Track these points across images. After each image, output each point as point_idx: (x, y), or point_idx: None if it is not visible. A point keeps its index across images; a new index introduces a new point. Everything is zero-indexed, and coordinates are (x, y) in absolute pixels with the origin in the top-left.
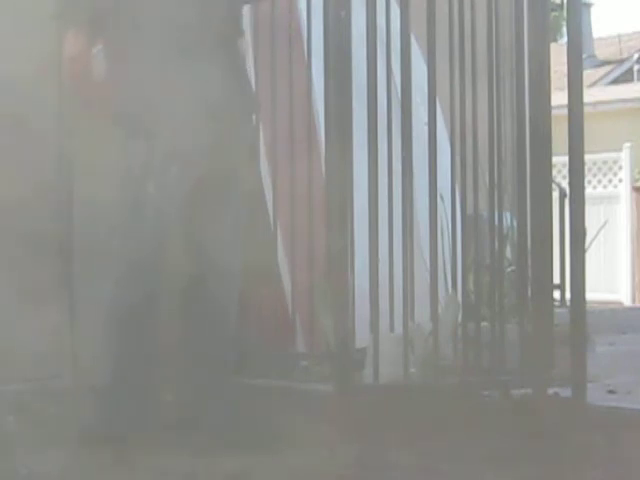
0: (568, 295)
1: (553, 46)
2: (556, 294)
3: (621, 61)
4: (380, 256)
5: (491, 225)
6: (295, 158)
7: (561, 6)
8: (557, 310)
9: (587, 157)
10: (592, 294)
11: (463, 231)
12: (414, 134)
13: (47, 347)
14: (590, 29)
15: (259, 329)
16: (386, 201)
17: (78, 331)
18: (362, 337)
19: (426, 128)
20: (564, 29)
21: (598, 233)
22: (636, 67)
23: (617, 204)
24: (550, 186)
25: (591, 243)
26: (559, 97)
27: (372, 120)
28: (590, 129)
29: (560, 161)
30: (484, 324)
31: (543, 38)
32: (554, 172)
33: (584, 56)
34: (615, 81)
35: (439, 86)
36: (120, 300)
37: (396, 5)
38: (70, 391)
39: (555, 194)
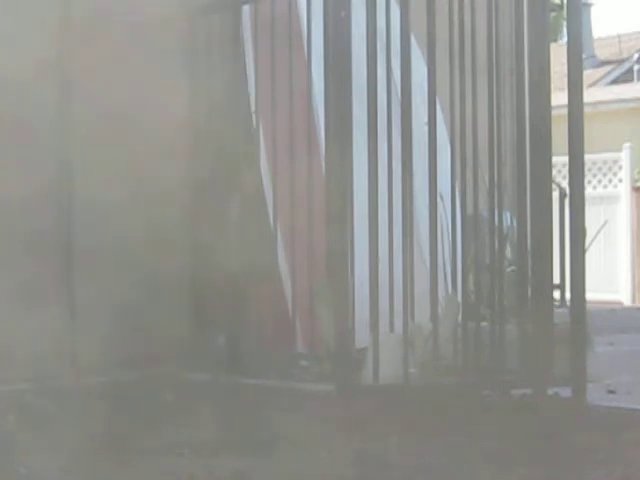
0: (568, 295)
1: (553, 46)
2: (556, 294)
3: (621, 61)
4: (380, 256)
5: (491, 225)
6: (295, 158)
7: (561, 6)
8: (557, 310)
9: (587, 157)
10: (592, 294)
11: (463, 231)
12: (414, 134)
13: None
14: (590, 29)
15: (259, 329)
16: (386, 201)
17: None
18: (362, 337)
19: (426, 128)
20: (564, 29)
21: (598, 233)
22: (636, 67)
23: (617, 204)
24: (550, 186)
25: (591, 243)
26: (559, 97)
27: (372, 120)
28: (590, 129)
29: (560, 161)
30: (484, 324)
31: (543, 38)
32: (554, 172)
33: (584, 56)
34: (615, 81)
35: (439, 86)
36: None
37: (396, 5)
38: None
39: (555, 194)
